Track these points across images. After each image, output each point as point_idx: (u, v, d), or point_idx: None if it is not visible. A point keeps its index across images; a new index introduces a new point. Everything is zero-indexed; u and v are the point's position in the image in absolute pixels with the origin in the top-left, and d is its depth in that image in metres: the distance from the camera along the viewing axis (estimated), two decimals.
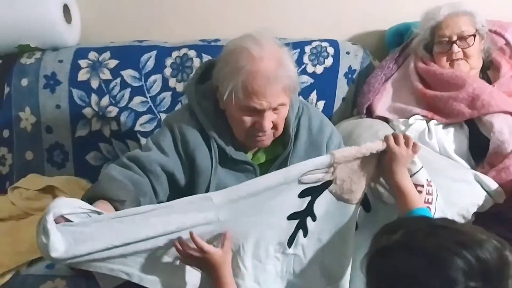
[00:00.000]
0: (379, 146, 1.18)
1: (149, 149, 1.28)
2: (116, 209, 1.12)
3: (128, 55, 1.82)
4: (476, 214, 1.47)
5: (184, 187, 1.29)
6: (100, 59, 1.81)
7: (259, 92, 1.17)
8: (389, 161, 1.17)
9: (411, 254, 0.80)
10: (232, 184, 1.26)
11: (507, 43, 1.75)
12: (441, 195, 1.41)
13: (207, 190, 1.26)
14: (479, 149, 1.57)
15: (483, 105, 1.55)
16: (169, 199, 1.26)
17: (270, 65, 1.17)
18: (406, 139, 1.18)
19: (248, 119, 1.22)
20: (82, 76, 1.80)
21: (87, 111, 1.79)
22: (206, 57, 1.81)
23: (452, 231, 0.82)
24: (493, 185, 1.46)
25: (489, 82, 1.69)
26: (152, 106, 1.80)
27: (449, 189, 1.43)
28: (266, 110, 1.20)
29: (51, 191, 1.70)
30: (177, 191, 1.28)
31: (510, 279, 0.77)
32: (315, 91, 1.85)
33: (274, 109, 1.21)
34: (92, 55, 1.82)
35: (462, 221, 1.45)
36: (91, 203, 1.10)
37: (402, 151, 1.17)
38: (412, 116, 1.65)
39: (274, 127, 1.25)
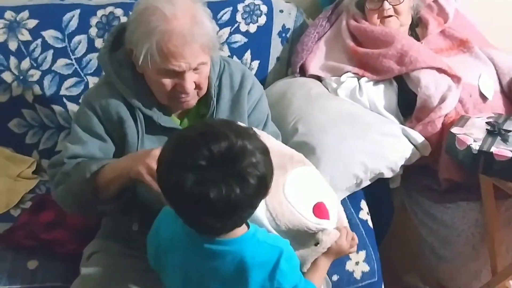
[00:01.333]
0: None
1: (82, 140, 1.21)
2: None
3: (48, 14, 1.70)
4: (404, 166, 1.53)
5: None
6: (17, 18, 1.68)
7: (176, 52, 1.12)
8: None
9: None
10: None
11: (435, 0, 1.78)
12: (371, 150, 1.47)
13: None
14: (407, 105, 1.61)
15: (410, 61, 1.58)
16: None
17: (184, 24, 1.12)
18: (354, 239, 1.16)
19: (168, 82, 1.17)
20: None
21: (6, 75, 1.67)
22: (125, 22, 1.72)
23: (207, 127, 0.91)
24: (420, 138, 1.52)
25: (418, 39, 1.72)
26: (78, 69, 1.71)
27: (378, 143, 1.48)
28: (186, 71, 1.15)
29: None
30: None
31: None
32: (249, 51, 1.82)
33: (195, 69, 1.17)
34: (9, 14, 1.69)
35: (390, 174, 1.50)
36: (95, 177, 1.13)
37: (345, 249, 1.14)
38: (344, 74, 1.67)
39: (197, 87, 1.20)
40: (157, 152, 1.00)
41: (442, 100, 1.54)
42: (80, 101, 1.63)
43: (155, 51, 1.12)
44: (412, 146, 1.51)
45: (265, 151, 0.91)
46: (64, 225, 1.41)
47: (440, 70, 1.58)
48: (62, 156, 1.22)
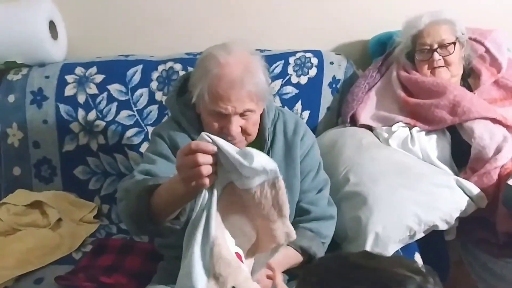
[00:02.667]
0: None
1: (153, 160, 1.28)
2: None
3: (114, 69, 1.84)
4: (458, 219, 1.49)
5: None
6: (86, 74, 1.83)
7: (223, 96, 1.20)
8: None
9: None
10: None
11: (487, 50, 1.78)
12: (425, 201, 1.44)
13: None
14: (461, 155, 1.59)
15: (464, 111, 1.57)
16: None
17: (235, 70, 1.20)
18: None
19: (216, 123, 1.25)
20: (69, 91, 1.81)
21: (74, 125, 1.80)
22: (191, 70, 1.83)
23: (367, 271, 0.74)
24: (475, 190, 1.49)
25: (470, 89, 1.72)
26: (139, 119, 1.81)
27: (431, 194, 1.46)
28: (232, 115, 1.22)
29: (39, 206, 1.71)
30: None
31: None
32: (299, 102, 1.87)
33: (242, 114, 1.24)
34: (79, 70, 1.84)
35: (445, 226, 1.47)
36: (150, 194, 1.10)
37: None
38: (395, 123, 1.68)
39: (244, 132, 1.26)
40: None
41: (498, 151, 1.51)
42: (149, 136, 1.69)
43: (206, 92, 1.21)
44: (468, 198, 1.48)
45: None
46: (122, 269, 1.46)
47: (494, 121, 1.56)
48: (132, 174, 1.27)
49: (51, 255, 1.55)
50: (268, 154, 1.31)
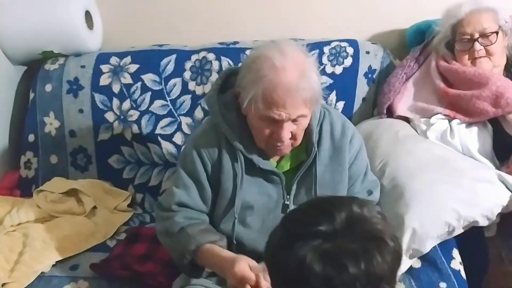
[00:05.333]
0: None
1: (186, 186, 1.29)
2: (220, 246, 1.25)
3: (148, 59, 1.84)
4: (500, 214, 1.44)
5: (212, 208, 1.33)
6: (121, 63, 1.84)
7: (278, 103, 1.16)
8: None
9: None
10: (256, 201, 1.28)
11: None
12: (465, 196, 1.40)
13: (229, 207, 1.29)
14: (503, 149, 1.54)
15: (507, 103, 1.51)
16: None
17: (292, 76, 1.15)
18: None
19: (266, 128, 1.21)
20: (104, 80, 1.83)
21: (109, 115, 1.82)
22: (225, 60, 1.82)
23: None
24: None
25: None
26: (172, 109, 1.82)
27: (472, 190, 1.41)
28: (285, 121, 1.18)
29: (75, 194, 1.74)
30: None
31: None
32: (334, 92, 1.83)
33: (294, 120, 1.20)
34: (114, 60, 1.85)
35: (486, 222, 1.42)
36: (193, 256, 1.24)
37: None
38: (433, 115, 1.63)
39: (293, 137, 1.23)
40: (242, 263, 1.13)
41: None
42: (187, 142, 1.68)
43: (260, 97, 1.16)
44: (510, 193, 1.42)
45: (382, 214, 0.81)
46: (155, 258, 1.48)
47: None
48: (169, 202, 1.30)
49: (86, 242, 1.57)
50: (314, 158, 1.28)
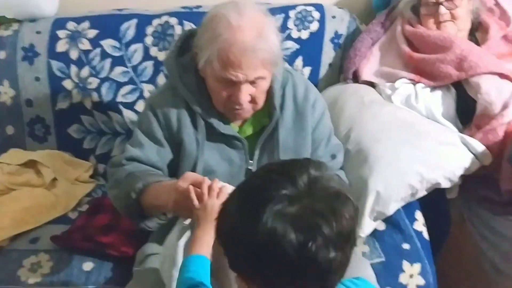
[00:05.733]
0: None
1: (141, 144, 1.25)
2: None
3: (107, 24, 1.76)
4: (462, 176, 1.46)
5: (172, 170, 1.28)
6: (79, 29, 1.76)
7: (234, 63, 1.12)
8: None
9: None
10: (218, 166, 1.26)
11: (496, 3, 1.71)
12: (428, 159, 1.41)
13: (193, 171, 1.24)
14: (466, 112, 1.55)
15: (470, 66, 1.52)
16: None
17: (248, 36, 1.11)
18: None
19: (224, 91, 1.18)
20: (61, 47, 1.74)
21: (67, 83, 1.74)
22: (187, 24, 1.76)
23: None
24: (480, 147, 1.45)
25: (478, 44, 1.65)
26: (134, 77, 1.76)
27: (435, 152, 1.43)
28: (242, 83, 1.15)
29: (33, 166, 1.68)
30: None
31: None
32: (300, 57, 1.81)
33: (252, 82, 1.16)
34: (71, 25, 1.77)
35: (448, 184, 1.44)
36: (139, 195, 1.16)
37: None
38: (398, 80, 1.62)
39: (253, 100, 1.20)
40: (189, 174, 1.05)
41: (504, 107, 1.47)
42: (143, 103, 1.68)
43: (215, 57, 1.13)
44: (472, 155, 1.45)
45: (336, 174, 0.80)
46: (118, 228, 1.45)
47: (502, 76, 1.51)
48: (121, 157, 1.26)
49: (47, 214, 1.53)
50: (277, 122, 1.26)
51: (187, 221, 1.08)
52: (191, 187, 1.04)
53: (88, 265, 1.38)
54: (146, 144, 1.25)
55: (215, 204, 1.01)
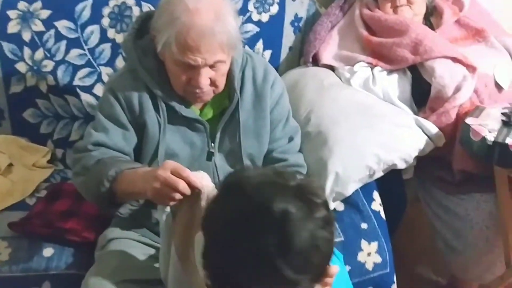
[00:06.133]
0: None
1: (106, 128, 1.22)
2: None
3: (61, 4, 1.68)
4: (417, 157, 1.52)
5: (136, 153, 1.27)
6: (31, 9, 1.68)
7: (193, 47, 1.11)
8: None
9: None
10: (180, 149, 1.25)
11: None
12: (384, 141, 1.46)
13: (154, 156, 1.24)
14: (421, 95, 1.60)
15: (425, 50, 1.56)
16: None
17: (206, 19, 1.11)
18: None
19: (183, 74, 1.17)
20: (12, 28, 1.66)
21: (20, 65, 1.67)
22: (145, 5, 1.72)
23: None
24: (434, 129, 1.51)
25: (432, 28, 1.70)
26: (91, 59, 1.71)
27: (391, 134, 1.47)
28: (202, 67, 1.14)
29: None
30: None
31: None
32: (261, 40, 1.80)
33: (211, 66, 1.16)
34: (22, 5, 1.68)
35: (404, 165, 1.49)
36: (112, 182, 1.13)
37: None
38: (357, 63, 1.65)
39: (213, 84, 1.20)
40: (169, 162, 1.03)
41: (457, 90, 1.53)
42: (102, 87, 1.63)
43: (173, 41, 1.12)
44: (426, 137, 1.50)
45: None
46: (79, 214, 1.42)
47: (455, 60, 1.56)
48: (86, 142, 1.23)
49: (3, 201, 1.48)
50: (237, 104, 1.26)
51: (167, 209, 1.07)
52: (179, 180, 1.01)
53: (48, 251, 1.36)
54: (110, 129, 1.23)
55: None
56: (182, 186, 0.99)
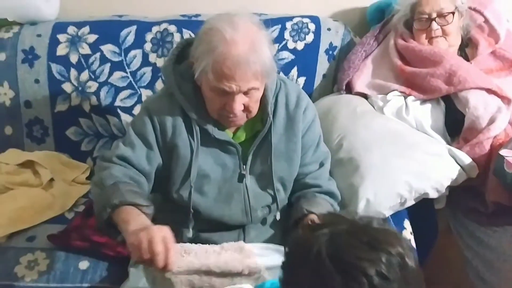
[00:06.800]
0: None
1: (133, 144, 1.27)
2: (143, 213, 1.18)
3: (107, 29, 1.80)
4: (449, 188, 1.51)
5: (161, 174, 1.30)
6: (79, 33, 1.79)
7: (228, 75, 1.16)
8: None
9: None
10: (212, 170, 1.29)
11: (486, 20, 1.76)
12: (417, 169, 1.45)
13: (186, 176, 1.28)
14: (455, 125, 1.60)
15: (459, 81, 1.57)
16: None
17: (242, 49, 1.15)
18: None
19: (218, 100, 1.22)
20: (61, 50, 1.78)
21: (66, 86, 1.77)
22: (186, 32, 1.81)
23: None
24: (467, 159, 1.50)
25: (467, 59, 1.70)
26: (132, 81, 1.79)
27: (424, 163, 1.47)
28: (236, 94, 1.19)
29: (31, 166, 1.70)
30: (156, 179, 1.30)
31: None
32: (295, 67, 1.85)
33: (245, 93, 1.20)
34: (71, 29, 1.80)
35: (436, 194, 1.48)
36: (116, 209, 1.16)
37: None
38: (390, 92, 1.67)
39: (246, 109, 1.24)
40: (166, 234, 1.06)
41: (491, 121, 1.52)
42: (140, 107, 1.68)
43: (210, 69, 1.17)
44: (459, 167, 1.49)
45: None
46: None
47: (489, 91, 1.56)
48: (112, 154, 1.28)
49: (43, 214, 1.55)
50: (269, 128, 1.30)
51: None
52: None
53: (84, 264, 1.41)
54: (137, 145, 1.27)
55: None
56: (160, 258, 1.03)
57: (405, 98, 1.65)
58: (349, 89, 1.77)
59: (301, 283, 0.74)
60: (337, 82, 1.82)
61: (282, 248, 1.22)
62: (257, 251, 1.21)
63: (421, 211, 1.56)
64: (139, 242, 1.04)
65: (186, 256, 1.15)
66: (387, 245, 0.74)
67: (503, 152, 1.43)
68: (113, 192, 1.19)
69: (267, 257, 1.19)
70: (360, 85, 1.74)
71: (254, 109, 1.26)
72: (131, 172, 1.26)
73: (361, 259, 0.72)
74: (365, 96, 1.73)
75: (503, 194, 1.48)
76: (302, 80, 1.86)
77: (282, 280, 0.79)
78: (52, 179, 1.69)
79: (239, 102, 1.20)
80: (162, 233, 1.05)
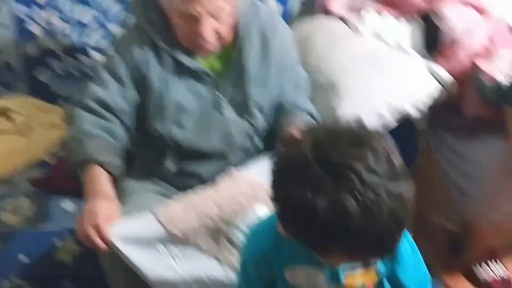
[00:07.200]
0: None
1: (106, 83, 1.25)
2: (109, 173, 1.20)
3: None
4: (430, 107, 1.51)
5: (139, 109, 1.29)
6: None
7: None
8: None
9: None
10: (187, 101, 1.26)
11: None
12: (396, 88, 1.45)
13: (160, 110, 1.26)
14: (433, 42, 1.57)
15: None
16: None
17: None
18: None
19: (187, 26, 1.19)
20: None
21: (34, 27, 1.70)
22: None
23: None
24: (446, 75, 1.49)
25: None
26: (102, 19, 1.72)
27: (403, 81, 1.46)
28: (204, 16, 1.16)
29: (3, 113, 1.66)
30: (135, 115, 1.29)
31: None
32: None
33: (213, 15, 1.18)
34: None
35: (416, 113, 1.49)
36: (81, 167, 1.19)
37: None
38: (367, 11, 1.62)
39: (217, 33, 1.21)
40: (115, 216, 1.11)
41: (469, 34, 1.50)
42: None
43: None
44: (438, 84, 1.49)
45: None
46: None
47: (466, 4, 1.53)
48: (85, 97, 1.27)
49: (22, 160, 1.54)
50: (243, 54, 1.27)
51: None
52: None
53: (69, 206, 1.42)
54: (110, 84, 1.25)
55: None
56: (100, 246, 1.09)
57: (382, 16, 1.61)
58: (326, 12, 1.72)
59: (292, 195, 0.74)
60: (314, 5, 1.77)
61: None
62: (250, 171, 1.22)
63: (402, 131, 1.56)
64: (82, 233, 1.11)
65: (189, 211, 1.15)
66: (371, 141, 0.74)
67: (481, 64, 1.42)
68: (78, 148, 1.21)
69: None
70: (336, 7, 1.69)
71: (225, 33, 1.23)
72: (101, 121, 1.24)
73: (348, 157, 0.71)
74: (342, 18, 1.69)
75: (480, 107, 1.49)
76: (277, 3, 1.79)
77: (272, 198, 0.79)
78: (28, 124, 1.65)
79: (207, 26, 1.18)
80: (102, 215, 1.10)
